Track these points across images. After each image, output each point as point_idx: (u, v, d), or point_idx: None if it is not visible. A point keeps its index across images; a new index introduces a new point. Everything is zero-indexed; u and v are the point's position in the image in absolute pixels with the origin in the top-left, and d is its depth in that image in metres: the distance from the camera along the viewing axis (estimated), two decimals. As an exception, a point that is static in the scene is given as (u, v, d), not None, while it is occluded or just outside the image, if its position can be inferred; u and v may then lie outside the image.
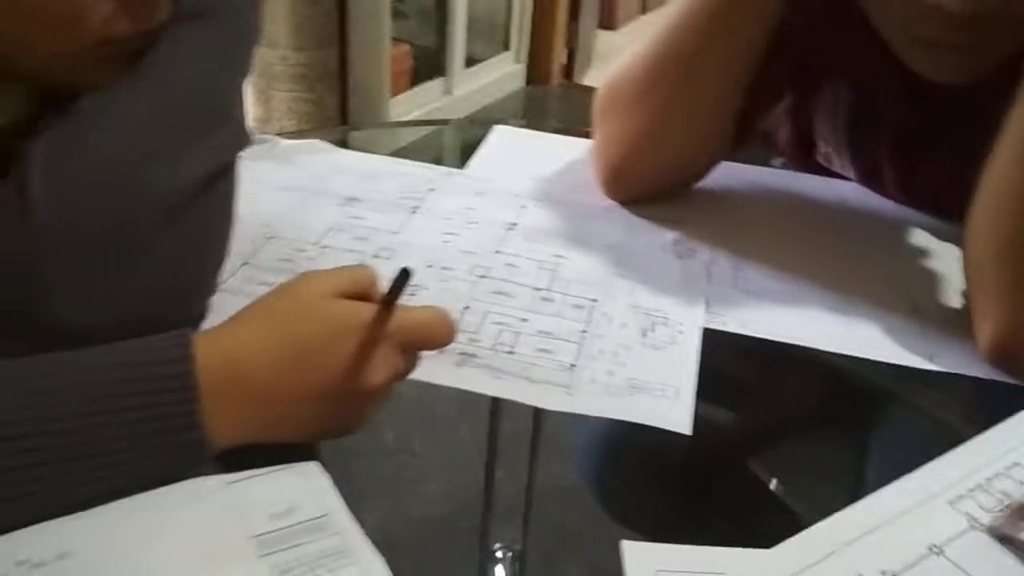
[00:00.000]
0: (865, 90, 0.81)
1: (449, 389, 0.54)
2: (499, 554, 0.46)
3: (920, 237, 0.79)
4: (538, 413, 0.54)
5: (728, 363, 0.63)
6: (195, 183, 0.49)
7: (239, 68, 0.54)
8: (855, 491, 0.49)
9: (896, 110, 0.80)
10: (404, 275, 0.44)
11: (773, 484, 0.54)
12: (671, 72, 0.73)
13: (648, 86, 0.74)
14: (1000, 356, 0.60)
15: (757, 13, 0.71)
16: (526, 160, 0.87)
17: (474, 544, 0.47)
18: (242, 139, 0.54)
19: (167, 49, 0.48)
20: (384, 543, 0.44)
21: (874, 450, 0.60)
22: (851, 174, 0.88)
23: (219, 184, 0.52)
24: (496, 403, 0.54)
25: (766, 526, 0.46)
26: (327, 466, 0.48)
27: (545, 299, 0.64)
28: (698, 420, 0.54)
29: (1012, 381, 0.60)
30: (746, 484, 0.54)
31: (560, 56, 3.69)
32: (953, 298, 0.69)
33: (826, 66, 0.83)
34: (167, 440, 0.41)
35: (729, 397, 0.62)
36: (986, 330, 0.61)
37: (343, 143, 0.91)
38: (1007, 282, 0.59)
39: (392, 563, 0.43)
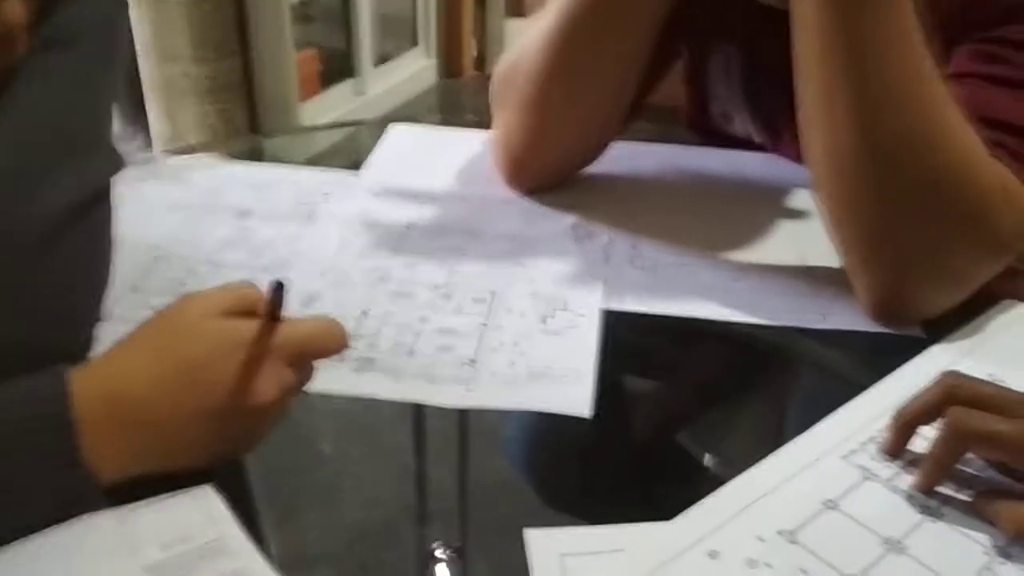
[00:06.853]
0: (754, 49, 0.82)
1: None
2: (439, 553, 0.46)
3: (811, 198, 0.81)
4: (471, 411, 0.54)
5: (631, 342, 0.64)
6: (66, 212, 0.48)
7: (106, 92, 0.52)
8: (766, 455, 0.50)
9: (786, 65, 0.81)
10: (278, 287, 0.44)
11: (697, 456, 0.56)
12: (574, 61, 0.72)
13: (549, 76, 0.73)
14: (880, 315, 0.62)
15: None
16: (422, 158, 0.86)
17: (414, 546, 0.47)
18: (115, 163, 0.53)
19: (27, 80, 0.47)
20: (325, 553, 0.44)
21: (779, 412, 0.61)
22: (751, 131, 0.89)
23: (93, 211, 0.51)
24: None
25: (696, 496, 0.47)
26: (263, 480, 0.48)
27: (445, 296, 0.64)
28: (615, 400, 0.54)
29: (900, 332, 0.62)
30: (671, 458, 0.55)
31: (471, 48, 3.68)
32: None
33: (713, 30, 0.84)
34: (49, 480, 0.40)
35: (636, 375, 0.63)
36: (861, 293, 0.63)
37: (256, 153, 0.90)
38: (864, 243, 0.61)
39: (334, 572, 0.43)
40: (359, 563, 0.45)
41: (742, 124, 0.90)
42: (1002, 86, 0.63)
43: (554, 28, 0.72)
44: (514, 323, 0.61)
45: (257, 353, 0.44)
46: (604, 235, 0.73)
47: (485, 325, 0.60)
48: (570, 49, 0.72)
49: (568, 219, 0.76)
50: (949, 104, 0.58)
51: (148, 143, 2.33)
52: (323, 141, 1.04)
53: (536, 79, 0.74)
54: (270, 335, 0.45)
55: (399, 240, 0.71)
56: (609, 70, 0.74)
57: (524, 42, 0.76)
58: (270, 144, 1.09)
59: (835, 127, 0.59)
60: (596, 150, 0.82)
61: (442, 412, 0.54)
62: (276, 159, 0.88)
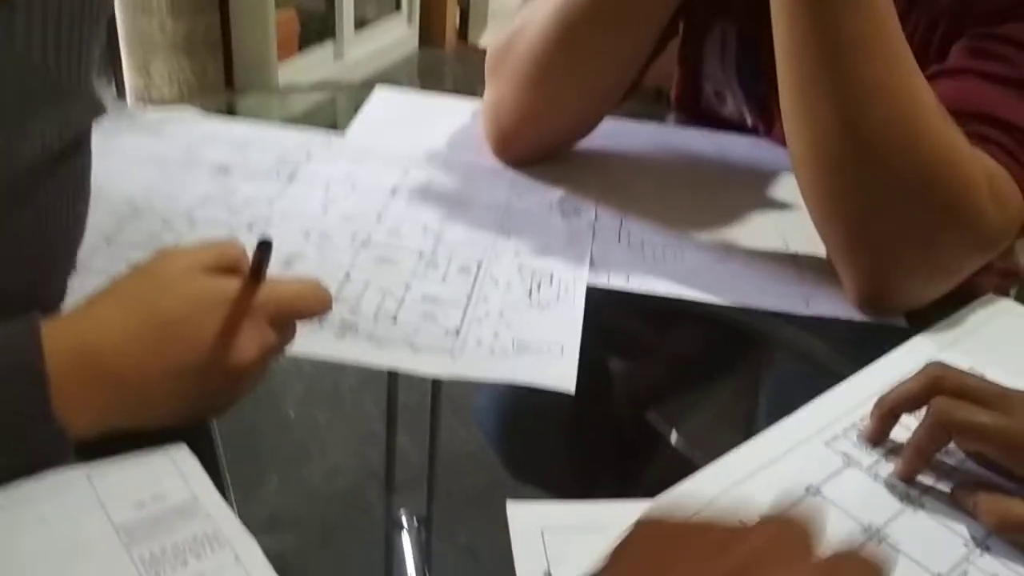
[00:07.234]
0: (752, 29, 0.82)
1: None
2: (404, 521, 0.45)
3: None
4: (443, 380, 0.53)
5: (614, 320, 0.63)
6: (42, 158, 0.47)
7: (89, 38, 0.50)
8: (743, 438, 0.50)
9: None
10: (264, 246, 0.42)
11: (670, 436, 0.55)
12: (583, 42, 0.70)
13: (553, 55, 0.71)
14: (865, 304, 0.63)
15: None
16: (409, 122, 0.85)
17: (379, 513, 0.46)
18: (94, 111, 0.51)
19: (5, 24, 0.45)
20: (289, 518, 0.44)
21: (759, 397, 0.61)
22: (744, 112, 0.89)
23: (70, 159, 0.49)
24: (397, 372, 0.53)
25: (667, 476, 0.46)
26: (229, 444, 0.47)
27: (429, 264, 0.63)
28: (592, 376, 0.53)
29: (882, 322, 0.62)
30: (644, 437, 0.55)
31: (453, 17, 3.64)
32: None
33: (712, 8, 0.83)
34: (20, 433, 0.39)
35: (618, 352, 0.62)
36: (846, 282, 0.63)
37: (230, 109, 0.88)
38: (849, 234, 0.61)
39: (298, 536, 0.42)
40: (323, 529, 0.44)
41: (735, 105, 0.89)
42: (997, 83, 0.63)
43: (562, 7, 0.70)
44: (500, 294, 0.60)
45: (238, 311, 0.43)
46: (591, 210, 0.73)
47: (471, 295, 0.60)
48: (579, 30, 0.70)
49: (556, 193, 0.75)
50: (929, 98, 0.58)
51: (120, 95, 2.28)
52: (299, 102, 1.02)
53: (539, 56, 0.72)
54: (252, 294, 0.43)
55: (383, 205, 0.70)
56: (618, 53, 0.72)
57: (525, 15, 0.74)
58: (244, 103, 1.06)
59: (815, 121, 0.59)
60: (589, 128, 0.81)
61: (413, 380, 0.53)
62: (249, 118, 0.86)
